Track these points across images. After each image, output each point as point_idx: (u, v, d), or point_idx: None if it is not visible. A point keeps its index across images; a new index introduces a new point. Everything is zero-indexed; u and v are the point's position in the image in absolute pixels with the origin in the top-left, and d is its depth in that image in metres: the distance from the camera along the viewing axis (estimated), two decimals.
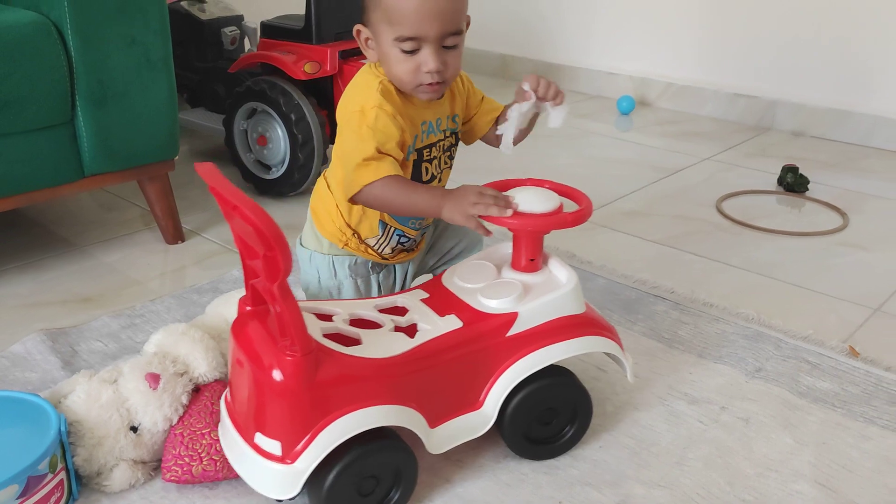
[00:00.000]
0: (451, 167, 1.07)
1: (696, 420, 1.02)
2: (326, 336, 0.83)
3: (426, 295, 0.94)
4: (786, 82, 2.27)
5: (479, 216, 0.87)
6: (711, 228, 1.63)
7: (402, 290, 1.09)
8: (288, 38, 1.71)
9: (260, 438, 0.80)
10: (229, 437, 0.85)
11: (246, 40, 2.00)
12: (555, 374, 0.93)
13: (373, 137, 0.91)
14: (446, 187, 1.03)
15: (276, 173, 1.72)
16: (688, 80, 2.47)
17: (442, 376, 0.85)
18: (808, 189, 1.81)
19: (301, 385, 0.77)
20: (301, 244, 1.09)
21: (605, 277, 1.38)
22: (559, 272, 0.95)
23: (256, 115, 1.72)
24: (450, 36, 0.91)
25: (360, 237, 1.03)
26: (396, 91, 0.95)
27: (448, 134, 1.03)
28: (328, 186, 1.04)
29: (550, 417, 0.94)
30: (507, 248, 0.98)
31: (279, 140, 1.68)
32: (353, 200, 0.96)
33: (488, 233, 0.89)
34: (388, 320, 0.90)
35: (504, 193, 0.90)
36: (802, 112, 2.24)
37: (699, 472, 0.93)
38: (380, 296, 1.04)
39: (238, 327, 0.86)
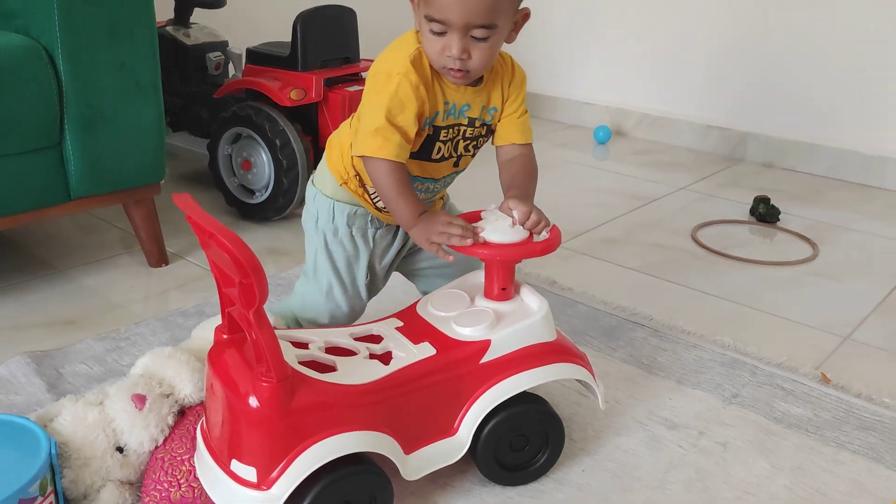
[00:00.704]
0: (473, 156, 1.07)
1: (675, 445, 1.05)
2: (302, 363, 0.85)
3: (401, 323, 0.96)
4: (756, 116, 2.34)
5: (449, 245, 0.91)
6: (687, 257, 1.67)
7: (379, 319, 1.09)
8: (274, 64, 1.73)
9: (236, 465, 0.81)
10: (205, 464, 0.86)
11: (230, 66, 2.01)
12: (527, 401, 0.95)
13: (388, 106, 0.93)
14: (459, 173, 1.08)
15: (260, 198, 1.74)
16: (662, 111, 2.53)
17: (416, 403, 0.87)
18: (779, 219, 1.87)
19: (276, 411, 0.78)
20: (312, 182, 1.11)
21: (585, 304, 1.41)
22: (530, 300, 0.97)
23: (241, 140, 1.73)
24: (478, 28, 0.92)
25: (360, 179, 1.04)
26: (430, 64, 0.96)
27: (478, 124, 1.03)
28: (351, 123, 1.05)
29: (523, 444, 0.95)
30: (479, 277, 1.01)
31: (264, 165, 1.70)
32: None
33: (448, 257, 0.93)
34: (363, 348, 0.91)
35: (473, 225, 0.93)
36: (772, 144, 2.31)
37: (680, 496, 0.95)
38: (356, 324, 1.03)
39: (214, 355, 0.86)
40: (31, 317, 1.34)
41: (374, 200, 1.05)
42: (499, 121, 1.05)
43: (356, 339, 0.93)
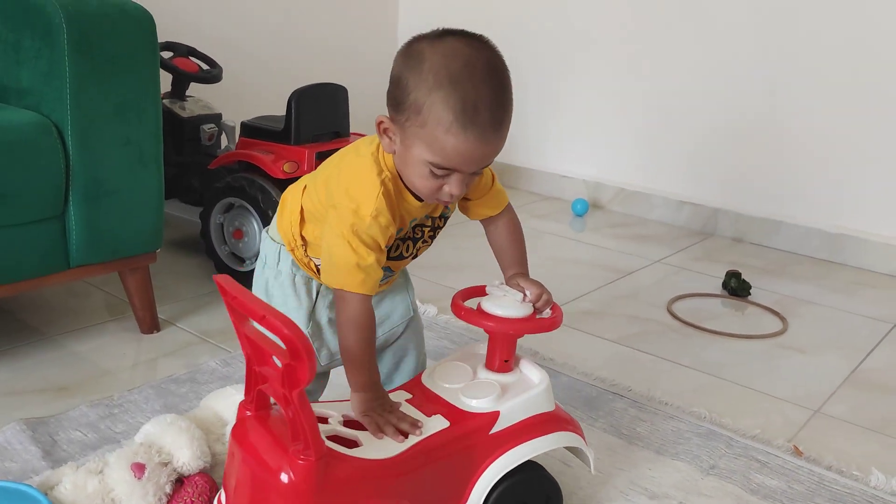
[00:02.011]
0: (430, 245, 1.08)
1: None
2: (328, 438, 0.88)
3: (410, 395, 1.00)
4: (726, 192, 2.45)
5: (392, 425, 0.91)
6: (663, 329, 1.74)
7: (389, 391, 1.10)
8: (267, 138, 1.80)
9: None
10: None
11: (223, 137, 2.08)
12: (529, 469, 0.99)
13: (363, 243, 0.92)
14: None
15: (250, 266, 1.78)
16: (637, 185, 2.64)
17: (433, 473, 0.91)
18: (750, 293, 1.95)
19: (314, 487, 0.80)
20: (266, 230, 1.11)
21: (566, 375, 1.46)
22: (531, 372, 1.02)
23: (234, 209, 1.79)
24: (478, 171, 0.92)
25: (306, 249, 1.04)
26: (394, 188, 0.95)
27: (439, 222, 1.05)
28: (303, 191, 1.03)
29: None
30: (478, 349, 1.06)
31: (255, 234, 1.75)
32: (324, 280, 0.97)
33: (378, 435, 0.90)
34: None
35: (413, 412, 0.94)
36: (741, 220, 2.42)
37: None
38: None
39: (239, 432, 0.88)
40: (23, 383, 1.35)
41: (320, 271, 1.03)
42: (466, 199, 1.06)
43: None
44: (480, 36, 0.92)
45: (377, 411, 0.92)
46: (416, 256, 1.09)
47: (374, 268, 0.94)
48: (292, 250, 1.05)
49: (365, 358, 0.96)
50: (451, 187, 0.91)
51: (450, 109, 0.86)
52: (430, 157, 0.89)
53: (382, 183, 0.93)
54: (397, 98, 0.90)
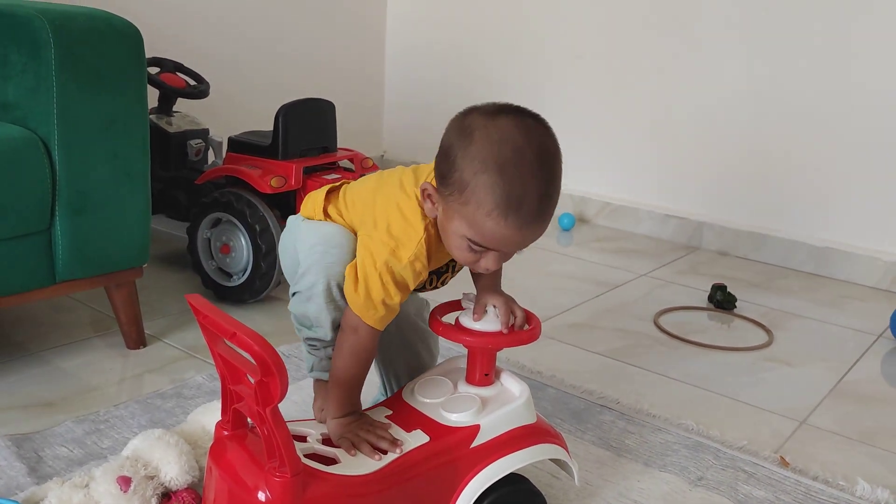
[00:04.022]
0: (454, 276, 1.10)
1: None
2: (306, 456, 0.88)
3: (389, 411, 1.00)
4: (712, 206, 2.48)
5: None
6: (650, 342, 1.74)
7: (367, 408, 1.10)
8: (254, 153, 1.80)
9: None
10: None
11: (210, 152, 2.08)
12: (513, 482, 0.99)
13: (393, 281, 0.92)
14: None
15: (237, 281, 1.78)
16: (623, 200, 2.66)
17: (414, 489, 0.90)
18: (735, 306, 1.96)
19: None
20: (293, 227, 1.07)
21: (554, 388, 1.47)
22: (511, 385, 1.02)
23: (221, 224, 1.78)
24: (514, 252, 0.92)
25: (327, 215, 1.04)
26: (435, 235, 0.94)
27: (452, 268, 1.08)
28: (324, 192, 1.05)
29: None
30: (458, 363, 1.06)
31: (242, 249, 1.75)
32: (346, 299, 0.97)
33: (352, 452, 0.91)
34: None
35: (392, 428, 0.94)
36: (727, 234, 2.44)
37: None
38: None
39: (217, 452, 0.88)
40: (8, 399, 1.34)
41: None
42: None
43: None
44: (536, 115, 0.91)
45: (353, 431, 0.93)
46: (444, 284, 1.09)
47: (395, 308, 0.95)
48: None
49: (356, 383, 0.97)
50: (488, 262, 0.91)
51: (492, 197, 0.84)
52: (470, 235, 0.88)
53: (426, 229, 0.93)
54: (443, 171, 0.89)
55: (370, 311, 0.94)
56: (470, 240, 0.89)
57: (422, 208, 0.94)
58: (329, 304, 0.99)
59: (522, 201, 0.85)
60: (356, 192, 1.03)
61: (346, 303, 0.97)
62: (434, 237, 0.94)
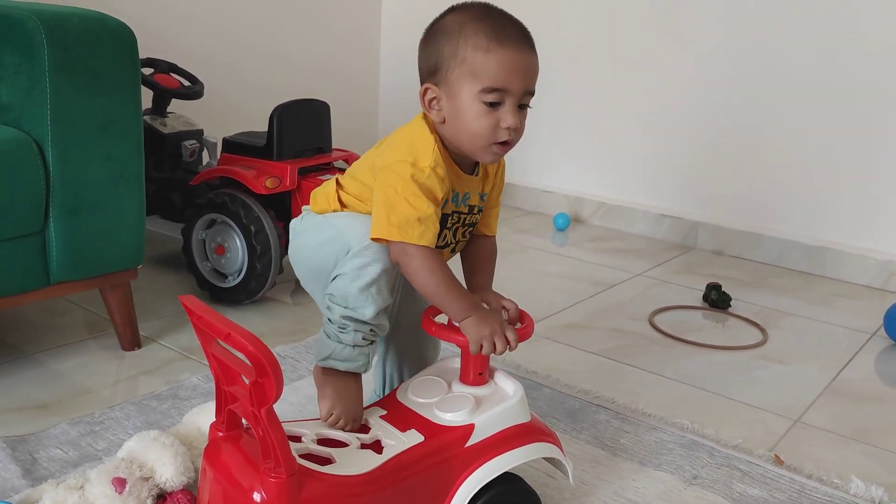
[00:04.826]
0: (462, 245, 1.10)
1: None
2: (301, 456, 0.88)
3: (384, 411, 1.00)
4: (706, 206, 2.48)
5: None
6: (645, 341, 1.75)
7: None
8: (249, 154, 1.80)
9: None
10: None
11: (204, 153, 2.08)
12: (508, 481, 0.99)
13: (423, 196, 0.94)
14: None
15: (232, 282, 1.78)
16: (618, 200, 2.66)
17: (409, 488, 0.90)
18: (730, 305, 1.97)
19: None
20: (299, 221, 1.09)
21: (550, 387, 1.47)
22: (505, 384, 1.03)
23: (216, 225, 1.78)
24: (526, 94, 0.97)
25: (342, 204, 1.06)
26: (442, 154, 0.99)
27: (475, 210, 1.07)
28: (336, 182, 1.07)
29: None
30: (453, 363, 1.06)
31: (237, 250, 1.75)
32: (389, 247, 0.97)
33: (496, 351, 0.95)
34: (353, 438, 0.95)
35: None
36: (721, 233, 2.44)
37: None
38: None
39: (212, 453, 0.88)
40: (2, 401, 1.34)
41: None
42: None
43: (344, 430, 0.97)
44: None
45: (486, 336, 0.95)
46: (454, 252, 1.10)
47: (432, 220, 0.95)
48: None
49: (453, 288, 0.96)
50: (507, 119, 0.96)
51: (483, 33, 0.95)
52: (480, 85, 0.95)
53: (436, 140, 0.99)
54: (430, 62, 0.99)
55: (409, 231, 0.94)
56: (482, 92, 0.95)
57: (429, 125, 1.00)
58: (383, 283, 0.99)
59: (506, 28, 0.96)
60: (356, 167, 1.06)
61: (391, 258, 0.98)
62: (446, 154, 1.00)
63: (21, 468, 1.13)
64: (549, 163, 2.81)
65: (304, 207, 1.12)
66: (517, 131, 0.98)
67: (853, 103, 2.17)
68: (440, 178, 0.96)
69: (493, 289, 1.10)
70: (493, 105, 0.96)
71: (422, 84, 1.01)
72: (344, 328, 1.01)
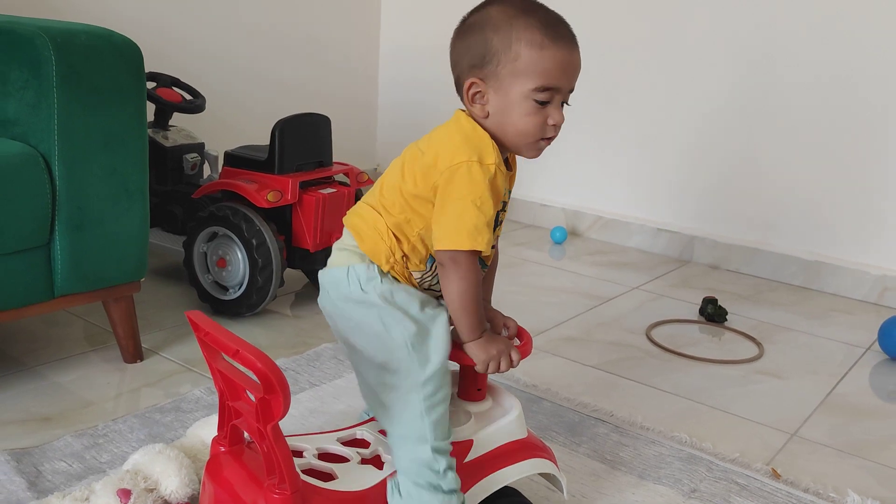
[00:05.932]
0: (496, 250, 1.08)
1: None
2: (304, 472, 0.89)
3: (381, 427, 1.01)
4: (703, 220, 2.50)
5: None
6: (643, 355, 1.76)
7: (360, 422, 1.08)
8: (251, 167, 1.82)
9: None
10: None
11: (206, 166, 2.09)
12: (508, 495, 1.00)
13: (490, 201, 0.91)
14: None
15: (234, 294, 1.79)
16: (615, 213, 2.68)
17: None
18: (726, 319, 1.98)
19: None
20: (331, 267, 0.98)
21: (549, 401, 1.48)
22: (503, 400, 1.04)
23: (217, 238, 1.79)
24: (569, 93, 0.96)
25: (406, 263, 0.96)
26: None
27: (505, 208, 1.02)
28: (374, 209, 0.98)
29: None
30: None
31: (239, 263, 1.76)
32: (435, 249, 0.93)
33: (503, 370, 0.96)
34: (353, 453, 0.96)
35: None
36: (718, 247, 2.46)
37: None
38: (339, 428, 1.03)
39: (213, 468, 0.88)
40: (6, 414, 1.34)
41: (422, 284, 0.98)
42: None
43: (344, 444, 0.98)
44: None
45: (498, 347, 0.95)
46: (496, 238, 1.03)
47: (492, 223, 0.93)
48: (391, 268, 0.96)
49: (477, 308, 0.95)
50: (554, 116, 0.95)
51: (536, 30, 0.92)
52: (534, 83, 0.92)
53: (491, 138, 0.95)
54: (474, 55, 0.94)
55: (477, 238, 0.90)
56: (535, 90, 0.92)
57: (475, 122, 0.96)
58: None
59: (558, 24, 0.94)
60: (388, 181, 0.98)
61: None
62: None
63: (26, 480, 1.13)
64: (546, 176, 2.83)
65: (346, 247, 0.98)
66: (560, 127, 0.97)
67: (849, 119, 2.19)
68: (504, 175, 0.95)
69: (492, 300, 1.11)
70: (543, 103, 0.94)
71: (460, 77, 0.96)
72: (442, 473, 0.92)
